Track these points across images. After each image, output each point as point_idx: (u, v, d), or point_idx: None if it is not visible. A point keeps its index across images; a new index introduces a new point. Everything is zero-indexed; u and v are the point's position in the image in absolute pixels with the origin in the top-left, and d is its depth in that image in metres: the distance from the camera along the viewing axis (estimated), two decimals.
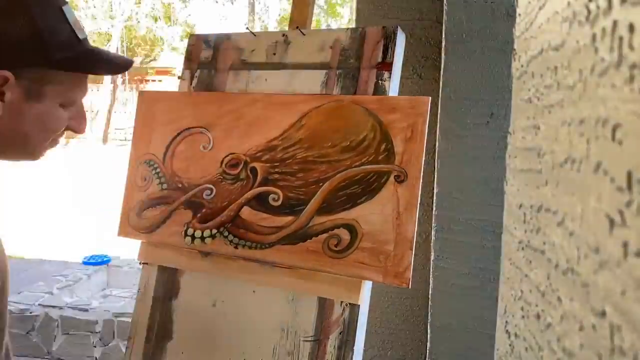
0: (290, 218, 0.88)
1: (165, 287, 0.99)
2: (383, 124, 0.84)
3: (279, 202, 0.89)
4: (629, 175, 0.18)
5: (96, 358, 2.77)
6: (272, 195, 0.90)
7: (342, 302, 0.84)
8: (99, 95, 13.87)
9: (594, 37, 0.23)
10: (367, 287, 0.85)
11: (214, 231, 0.93)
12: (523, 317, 0.34)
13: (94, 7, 13.86)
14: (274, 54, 0.99)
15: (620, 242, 0.19)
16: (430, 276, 1.19)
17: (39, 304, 2.88)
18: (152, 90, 1.16)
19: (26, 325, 2.79)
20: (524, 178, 0.36)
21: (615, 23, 0.20)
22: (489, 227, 1.12)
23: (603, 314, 0.20)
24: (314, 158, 0.88)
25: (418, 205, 0.80)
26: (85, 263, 3.77)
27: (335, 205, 0.85)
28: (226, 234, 0.92)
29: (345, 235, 0.83)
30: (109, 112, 14.20)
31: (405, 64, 1.11)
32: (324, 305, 0.86)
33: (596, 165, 0.22)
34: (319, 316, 0.86)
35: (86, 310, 2.83)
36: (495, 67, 1.10)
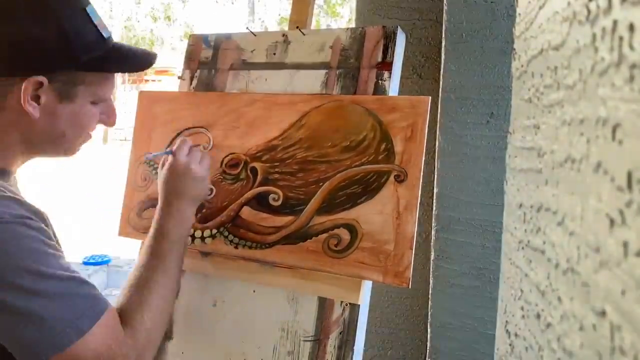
0: (290, 218, 0.88)
1: None
2: (383, 123, 0.84)
3: (279, 202, 0.89)
4: (629, 175, 0.18)
5: None
6: (272, 195, 0.90)
7: (342, 302, 0.84)
8: None
9: (594, 36, 0.23)
10: (367, 287, 0.85)
11: (214, 231, 0.93)
12: (523, 316, 0.34)
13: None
14: (274, 54, 0.99)
15: (620, 242, 0.19)
16: (430, 276, 1.19)
17: None
18: (151, 90, 1.16)
19: None
20: (524, 178, 0.36)
21: (615, 23, 0.20)
22: (489, 227, 1.12)
23: (603, 313, 0.20)
24: (314, 158, 0.88)
25: (418, 205, 0.80)
26: (85, 263, 3.78)
27: (335, 205, 0.85)
28: (226, 233, 0.92)
29: (345, 235, 0.83)
30: None
31: (405, 64, 1.11)
32: (324, 305, 0.86)
33: (596, 165, 0.22)
34: (319, 316, 0.86)
35: None
36: (495, 67, 1.10)
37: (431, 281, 1.18)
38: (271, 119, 0.93)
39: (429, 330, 1.19)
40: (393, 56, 0.88)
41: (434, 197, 1.16)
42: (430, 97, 0.82)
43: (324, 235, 0.85)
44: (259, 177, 0.92)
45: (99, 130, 0.91)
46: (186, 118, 1.00)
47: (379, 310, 1.33)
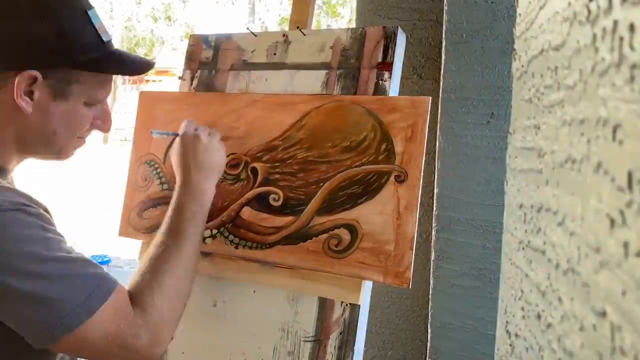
0: (290, 218, 0.88)
1: None
2: (383, 124, 0.84)
3: (280, 202, 0.89)
4: (630, 175, 0.18)
5: None
6: (272, 196, 0.90)
7: (342, 302, 0.84)
8: None
9: (594, 37, 0.23)
10: (367, 287, 0.85)
11: (215, 231, 0.93)
12: (523, 317, 0.34)
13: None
14: (275, 54, 0.99)
15: (620, 242, 0.19)
16: (431, 276, 1.19)
17: None
18: (152, 91, 1.16)
19: None
20: (524, 178, 0.36)
21: (615, 23, 0.20)
22: (490, 227, 1.12)
23: (604, 314, 0.20)
24: (314, 158, 0.88)
25: (418, 205, 0.80)
26: None
27: (335, 205, 0.85)
28: (227, 234, 0.92)
29: (345, 235, 0.83)
30: None
31: (406, 64, 1.11)
32: (324, 306, 0.86)
33: (597, 165, 0.22)
34: (319, 316, 0.86)
35: None
36: (496, 67, 1.10)
37: (431, 281, 1.18)
38: (271, 120, 0.93)
39: (429, 330, 1.19)
40: (393, 56, 0.88)
41: (434, 198, 1.16)
42: (430, 98, 0.82)
43: (325, 236, 0.85)
44: (260, 178, 0.92)
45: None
46: (187, 118, 1.00)
47: (379, 311, 1.33)
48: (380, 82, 0.88)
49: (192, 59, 1.07)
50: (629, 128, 0.19)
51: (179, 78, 1.08)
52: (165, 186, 1.00)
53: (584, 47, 0.24)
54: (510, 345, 0.38)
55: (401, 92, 0.94)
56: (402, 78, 0.93)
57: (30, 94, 0.69)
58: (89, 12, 0.72)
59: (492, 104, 1.10)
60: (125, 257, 3.88)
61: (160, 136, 0.95)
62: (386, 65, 0.88)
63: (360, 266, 0.81)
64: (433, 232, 1.17)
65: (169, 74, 15.95)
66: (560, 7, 0.28)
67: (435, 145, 1.17)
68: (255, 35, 1.02)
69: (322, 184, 0.86)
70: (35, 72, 0.67)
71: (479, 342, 1.13)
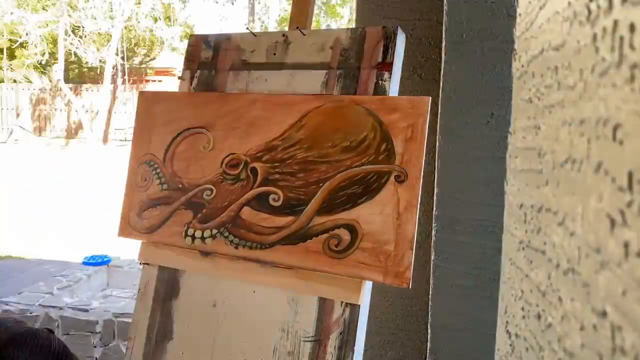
0: (290, 218, 0.88)
1: (166, 288, 0.99)
2: (383, 124, 0.84)
3: (279, 202, 0.89)
4: (630, 175, 0.18)
5: (96, 358, 2.77)
6: (272, 196, 0.90)
7: (342, 302, 0.84)
8: (99, 95, 13.86)
9: (594, 37, 0.23)
10: (367, 287, 0.85)
11: (215, 231, 0.93)
12: (524, 317, 0.34)
13: (94, 7, 13.85)
14: (274, 54, 0.99)
15: (621, 242, 0.19)
16: (431, 276, 1.18)
17: (39, 304, 2.88)
18: (152, 91, 1.16)
19: None
20: (524, 178, 0.36)
21: (615, 23, 0.20)
22: (490, 227, 1.11)
23: (604, 314, 0.20)
24: (314, 158, 0.88)
25: (418, 205, 0.80)
26: (85, 263, 3.77)
27: (335, 205, 0.85)
28: (226, 234, 0.92)
29: (345, 235, 0.83)
30: (109, 112, 14.19)
31: (406, 64, 1.11)
32: (324, 306, 0.86)
33: (597, 165, 0.22)
34: (319, 316, 0.86)
35: (86, 311, 2.83)
36: (496, 67, 1.10)
37: (431, 281, 1.18)
38: (271, 119, 0.93)
39: (429, 330, 1.19)
40: (393, 56, 0.88)
41: (434, 198, 1.16)
42: (430, 98, 0.82)
43: (324, 236, 0.85)
44: (259, 178, 0.92)
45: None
46: (186, 118, 1.00)
47: (379, 311, 1.33)
48: (380, 82, 0.88)
49: (192, 59, 1.07)
50: (629, 128, 0.19)
51: (179, 78, 1.08)
52: (165, 186, 1.00)
53: (584, 47, 0.24)
54: (511, 345, 0.38)
55: (401, 92, 0.94)
56: (402, 78, 0.93)
57: None
58: None
59: (492, 104, 1.10)
60: (125, 257, 3.88)
61: None
62: (386, 65, 0.88)
63: (360, 266, 0.81)
64: (433, 232, 1.17)
65: (169, 74, 15.95)
66: (560, 7, 0.28)
67: (435, 145, 1.16)
68: (255, 35, 1.02)
69: (322, 184, 0.86)
70: None
71: (479, 342, 1.13)
